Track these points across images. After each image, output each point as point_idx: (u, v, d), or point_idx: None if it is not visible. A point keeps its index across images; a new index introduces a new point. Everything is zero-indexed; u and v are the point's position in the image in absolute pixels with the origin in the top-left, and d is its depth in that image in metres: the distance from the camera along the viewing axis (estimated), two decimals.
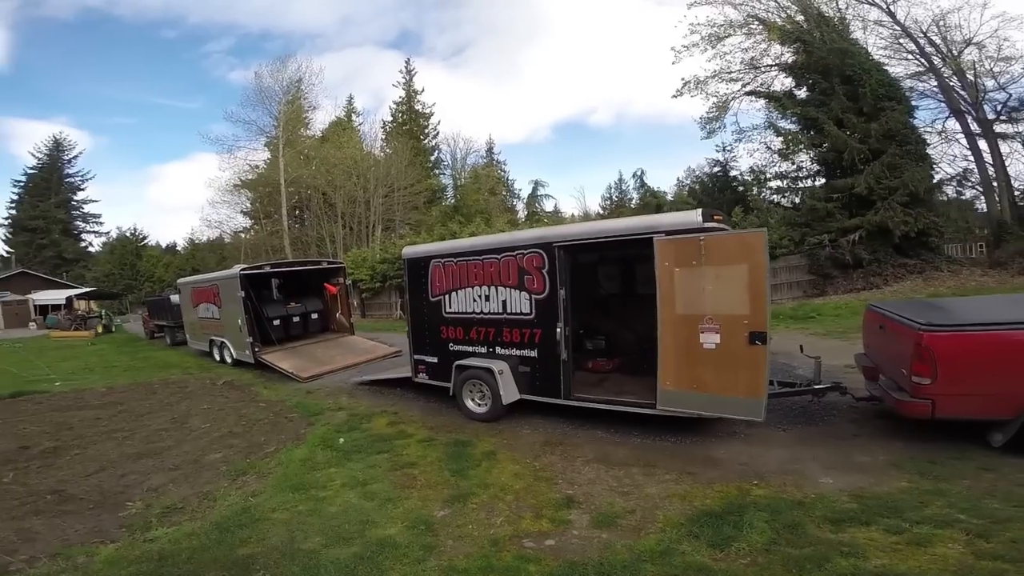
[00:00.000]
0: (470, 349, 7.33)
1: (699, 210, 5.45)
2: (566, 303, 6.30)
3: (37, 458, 6.76)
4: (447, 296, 7.51)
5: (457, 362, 7.35)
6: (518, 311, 6.72)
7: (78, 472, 6.17)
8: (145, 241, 59.21)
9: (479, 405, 7.13)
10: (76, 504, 5.23)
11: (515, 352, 6.85)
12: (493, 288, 6.96)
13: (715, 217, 5.55)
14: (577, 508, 4.42)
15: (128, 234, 58.16)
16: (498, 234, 8.71)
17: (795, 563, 3.33)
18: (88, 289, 40.77)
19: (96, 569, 3.95)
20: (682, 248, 5.25)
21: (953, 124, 20.20)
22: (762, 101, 21.79)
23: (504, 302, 6.86)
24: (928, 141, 18.81)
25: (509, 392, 6.77)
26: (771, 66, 21.52)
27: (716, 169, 26.93)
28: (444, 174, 45.73)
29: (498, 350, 7.02)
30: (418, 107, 46.40)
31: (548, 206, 48.58)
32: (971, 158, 19.96)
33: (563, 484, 4.91)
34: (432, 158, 45.73)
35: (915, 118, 18.55)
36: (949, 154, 20.49)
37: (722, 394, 5.12)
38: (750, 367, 4.93)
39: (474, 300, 7.19)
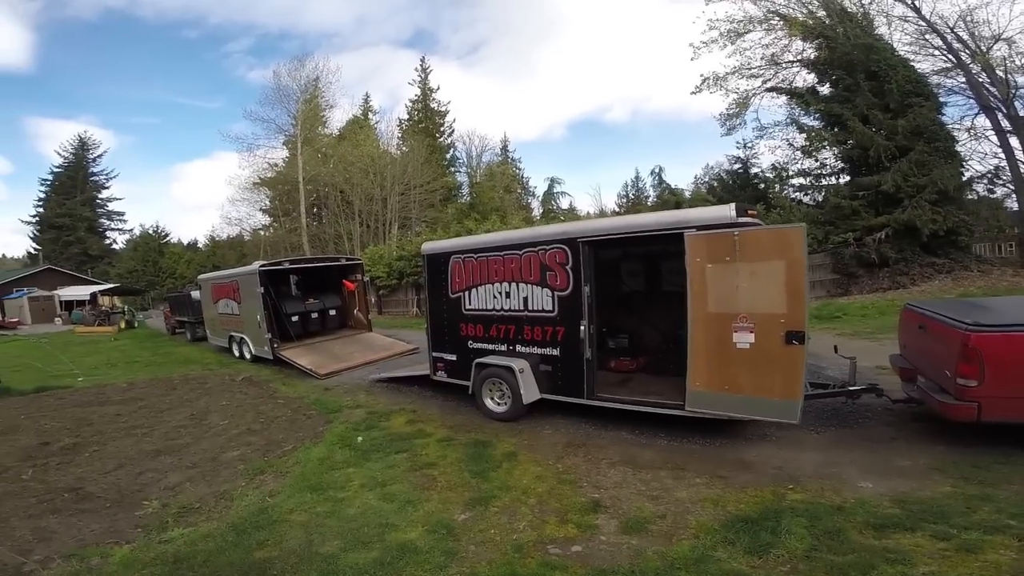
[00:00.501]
0: (490, 347, 7.19)
1: (732, 205, 5.23)
2: (590, 300, 6.13)
3: (57, 454, 6.76)
4: (467, 292, 7.38)
5: (476, 360, 7.21)
6: (540, 308, 6.56)
7: (96, 469, 6.15)
8: (167, 238, 60.11)
9: (499, 404, 6.99)
10: (93, 502, 5.20)
11: (536, 350, 6.69)
12: (514, 284, 6.80)
13: (749, 212, 5.32)
14: (604, 512, 4.25)
15: (151, 231, 59.11)
16: (520, 229, 8.55)
17: (839, 570, 3.16)
18: (112, 285, 41.52)
19: (110, 571, 3.88)
20: (715, 243, 5.05)
21: (983, 121, 19.48)
22: (784, 97, 21.32)
23: (525, 299, 6.70)
24: (957, 138, 18.19)
25: (530, 391, 6.62)
26: (793, 62, 21.02)
27: (736, 166, 26.48)
28: (459, 172, 45.99)
29: (519, 348, 6.87)
30: (433, 105, 46.62)
31: (564, 204, 48.42)
32: (1002, 155, 19.25)
33: (588, 487, 4.75)
34: (448, 156, 45.97)
35: (943, 115, 18.01)
36: (979, 151, 19.75)
37: (756, 395, 4.91)
38: (786, 368, 4.72)
39: (494, 297, 7.05)
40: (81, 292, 38.49)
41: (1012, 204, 19.91)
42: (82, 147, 58.28)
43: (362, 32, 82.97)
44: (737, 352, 4.96)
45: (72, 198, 55.73)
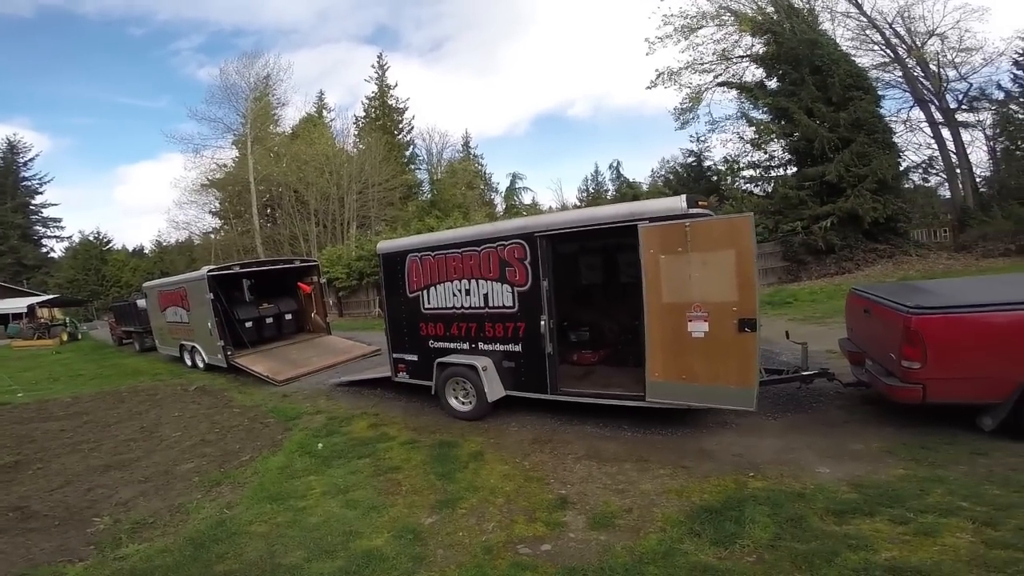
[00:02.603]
0: (452, 346, 7.12)
1: (684, 196, 5.30)
2: (550, 295, 6.13)
3: None
4: (425, 291, 7.28)
5: (438, 359, 7.13)
6: (500, 305, 6.53)
7: (41, 487, 5.85)
8: (110, 245, 57.45)
9: (463, 403, 6.94)
10: (40, 521, 4.95)
11: (499, 347, 6.66)
12: (474, 281, 6.75)
13: (700, 203, 5.42)
14: (572, 509, 4.26)
15: (92, 238, 56.28)
16: (478, 225, 8.49)
17: (804, 559, 3.22)
18: (51, 296, 39.34)
19: None
20: (667, 235, 5.11)
21: (917, 113, 20.74)
22: (734, 92, 21.90)
23: (486, 296, 6.65)
24: (894, 130, 19.16)
25: (494, 389, 6.59)
26: (743, 57, 21.65)
27: (690, 159, 27.06)
28: (420, 169, 45.23)
29: (481, 346, 6.82)
30: (391, 102, 45.79)
31: (526, 199, 48.29)
32: (935, 146, 20.48)
33: (555, 484, 4.75)
34: (407, 153, 45.19)
35: (881, 107, 18.88)
36: (914, 142, 20.99)
37: (712, 384, 4.99)
38: (740, 355, 4.82)
39: (454, 295, 6.97)
40: (17, 304, 36.20)
41: (945, 192, 21.16)
42: (11, 150, 54.91)
43: (322, 28, 79.83)
44: (692, 341, 5.04)
45: (2, 205, 52.49)
